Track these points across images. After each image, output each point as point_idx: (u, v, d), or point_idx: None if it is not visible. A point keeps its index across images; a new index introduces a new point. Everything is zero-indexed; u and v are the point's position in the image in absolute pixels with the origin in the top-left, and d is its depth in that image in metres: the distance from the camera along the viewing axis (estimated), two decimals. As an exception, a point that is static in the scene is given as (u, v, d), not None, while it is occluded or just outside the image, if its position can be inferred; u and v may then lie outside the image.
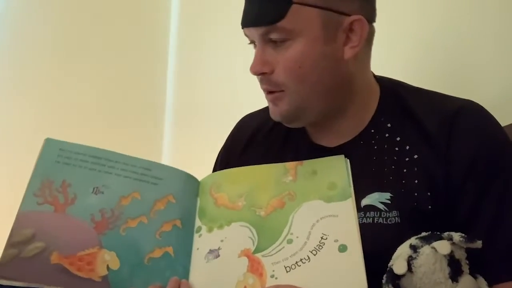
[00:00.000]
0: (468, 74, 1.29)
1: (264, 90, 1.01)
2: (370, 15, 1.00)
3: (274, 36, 0.95)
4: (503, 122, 1.03)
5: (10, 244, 0.89)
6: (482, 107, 1.00)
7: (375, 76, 1.07)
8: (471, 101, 1.01)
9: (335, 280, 0.87)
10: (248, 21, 0.98)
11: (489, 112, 1.00)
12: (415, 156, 0.98)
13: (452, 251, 0.85)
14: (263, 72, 0.97)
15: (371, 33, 1.01)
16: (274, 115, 1.02)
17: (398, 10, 1.39)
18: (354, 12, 0.96)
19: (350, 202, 0.94)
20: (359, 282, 0.85)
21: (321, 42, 0.95)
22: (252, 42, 1.01)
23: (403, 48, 1.41)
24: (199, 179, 1.04)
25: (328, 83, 0.98)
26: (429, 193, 0.95)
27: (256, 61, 0.98)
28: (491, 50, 1.24)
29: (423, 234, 0.89)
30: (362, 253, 0.88)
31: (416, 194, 0.96)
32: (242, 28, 1.00)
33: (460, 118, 0.97)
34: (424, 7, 1.37)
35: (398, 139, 1.00)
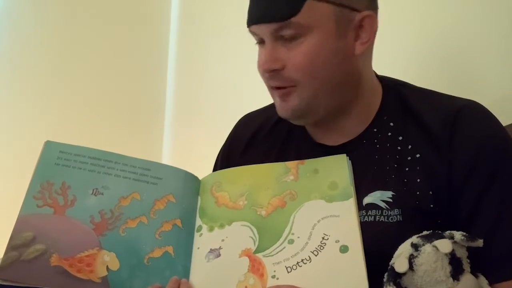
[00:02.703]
0: (470, 74, 1.29)
1: (271, 87, 1.00)
2: (376, 13, 1.00)
3: (287, 32, 0.94)
4: (505, 122, 1.03)
5: (10, 247, 0.90)
6: (484, 107, 1.00)
7: (377, 76, 1.07)
8: (473, 101, 1.01)
9: (336, 281, 0.87)
10: (258, 18, 0.96)
11: (491, 112, 1.00)
12: (417, 155, 0.98)
13: (453, 250, 0.84)
14: (274, 68, 0.96)
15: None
16: (283, 111, 1.00)
17: (403, 9, 1.39)
18: (364, 9, 0.97)
19: (352, 202, 0.93)
20: (359, 284, 0.85)
21: (334, 38, 0.95)
22: (259, 40, 1.00)
23: (407, 48, 1.41)
24: (200, 178, 1.04)
25: (339, 79, 0.97)
26: (430, 192, 0.95)
27: (266, 57, 0.96)
28: (494, 51, 1.24)
29: (425, 232, 0.88)
30: (363, 254, 0.88)
31: (418, 192, 0.96)
32: (251, 25, 0.98)
33: (462, 117, 0.97)
34: (429, 7, 1.37)
35: (400, 138, 1.00)
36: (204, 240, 0.96)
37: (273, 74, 0.97)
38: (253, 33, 0.99)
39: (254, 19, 0.98)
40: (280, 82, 0.98)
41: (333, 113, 1.01)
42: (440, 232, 0.88)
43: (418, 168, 0.97)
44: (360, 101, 1.02)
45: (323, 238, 0.90)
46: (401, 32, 1.39)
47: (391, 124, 1.02)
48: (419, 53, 1.39)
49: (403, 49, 1.41)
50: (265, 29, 0.96)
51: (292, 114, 1.00)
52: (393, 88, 1.05)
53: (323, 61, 0.95)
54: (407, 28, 1.40)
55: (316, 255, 0.89)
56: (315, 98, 0.97)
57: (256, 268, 0.90)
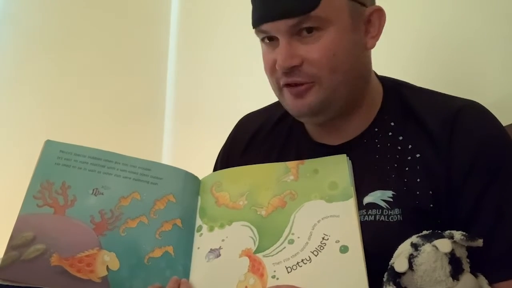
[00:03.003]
0: (470, 74, 1.29)
1: (284, 84, 0.98)
2: None
3: (306, 26, 0.94)
4: (505, 122, 1.03)
5: (10, 247, 0.90)
6: (483, 107, 1.00)
7: (377, 75, 1.07)
8: (473, 101, 1.01)
9: (336, 281, 0.87)
10: (276, 14, 0.94)
11: (490, 112, 1.00)
12: (417, 155, 0.98)
13: (453, 249, 0.84)
14: (293, 65, 0.95)
15: None
16: (298, 108, 0.98)
17: (402, 9, 1.39)
18: (370, 4, 0.99)
19: (352, 202, 0.93)
20: (359, 284, 0.85)
21: (350, 31, 0.96)
22: (269, 38, 0.98)
23: (406, 48, 1.41)
24: (200, 178, 1.04)
25: (357, 72, 0.98)
26: (430, 192, 0.95)
27: (283, 55, 0.95)
28: (494, 51, 1.24)
29: (424, 232, 0.89)
30: (363, 254, 0.88)
31: (417, 192, 0.96)
32: (263, 23, 0.96)
33: (461, 117, 0.97)
34: (428, 7, 1.37)
35: (400, 138, 1.00)
36: (204, 240, 0.96)
37: (293, 71, 0.96)
38: (263, 31, 0.98)
39: (268, 16, 0.96)
40: (300, 78, 0.96)
41: (340, 111, 1.01)
42: (439, 231, 0.88)
43: (418, 168, 0.97)
44: (365, 100, 1.03)
45: (323, 238, 0.91)
46: (401, 31, 1.39)
47: (392, 123, 1.02)
48: (418, 53, 1.39)
49: (402, 49, 1.41)
50: (281, 26, 0.94)
51: (309, 110, 0.98)
52: (394, 88, 1.06)
53: (342, 54, 0.95)
54: (406, 27, 1.40)
55: (316, 255, 0.89)
56: (335, 92, 0.97)
57: (256, 268, 0.90)
